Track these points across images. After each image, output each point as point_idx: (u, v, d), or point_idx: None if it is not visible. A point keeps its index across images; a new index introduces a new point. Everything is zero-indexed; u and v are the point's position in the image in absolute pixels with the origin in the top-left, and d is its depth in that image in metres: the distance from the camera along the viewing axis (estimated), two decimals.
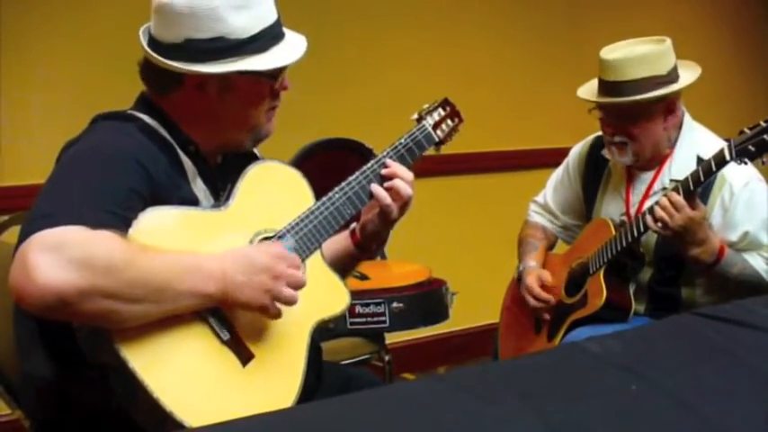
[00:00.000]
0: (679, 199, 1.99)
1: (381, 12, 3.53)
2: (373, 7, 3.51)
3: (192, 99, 1.50)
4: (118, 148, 1.42)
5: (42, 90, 2.85)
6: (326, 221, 1.56)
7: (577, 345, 1.46)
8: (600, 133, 2.42)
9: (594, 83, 2.27)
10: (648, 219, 2.05)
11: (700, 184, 1.99)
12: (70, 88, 2.85)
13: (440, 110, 1.81)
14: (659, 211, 2.01)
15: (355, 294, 2.54)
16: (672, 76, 2.17)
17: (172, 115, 1.52)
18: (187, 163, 1.52)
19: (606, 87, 2.18)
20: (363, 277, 2.67)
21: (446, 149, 3.71)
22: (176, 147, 1.51)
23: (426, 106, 1.81)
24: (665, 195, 2.02)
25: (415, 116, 1.78)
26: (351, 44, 3.45)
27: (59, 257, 1.20)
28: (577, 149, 2.49)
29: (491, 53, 3.85)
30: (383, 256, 3.04)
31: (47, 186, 1.36)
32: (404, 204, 1.65)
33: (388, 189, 1.63)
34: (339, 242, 1.73)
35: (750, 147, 1.91)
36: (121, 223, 1.31)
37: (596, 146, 2.42)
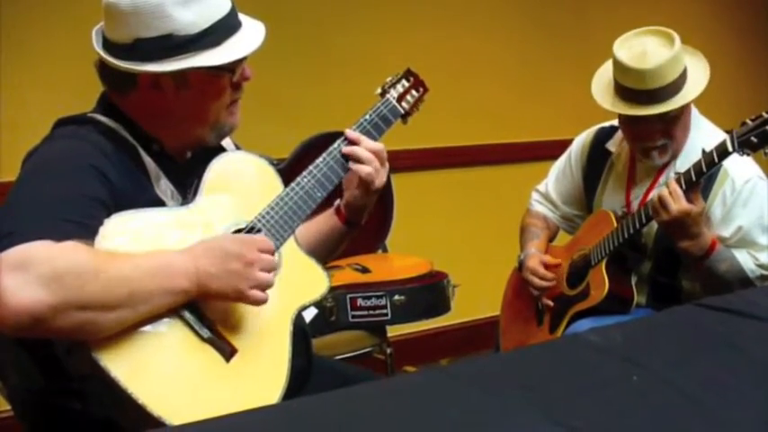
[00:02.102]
0: (677, 189, 1.98)
1: (383, 3, 3.52)
2: None
3: (149, 98, 1.48)
4: (75, 156, 1.39)
5: (42, 88, 2.84)
6: (297, 207, 1.55)
7: (579, 336, 1.46)
8: (605, 125, 2.42)
9: (606, 85, 2.21)
10: (650, 207, 2.05)
11: (702, 175, 1.98)
12: (69, 86, 2.83)
13: (403, 81, 1.80)
14: (657, 201, 2.02)
15: (357, 287, 2.56)
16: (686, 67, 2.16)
17: (132, 115, 1.50)
18: (150, 164, 1.49)
19: (646, 96, 2.09)
20: (365, 270, 2.67)
21: (448, 141, 3.70)
22: (138, 147, 1.48)
23: (389, 79, 1.79)
24: (666, 185, 2.02)
25: (379, 90, 1.76)
26: (351, 36, 3.44)
27: (27, 276, 1.19)
28: (581, 140, 2.49)
29: (494, 44, 3.84)
30: (384, 249, 3.04)
31: (8, 201, 1.33)
32: (378, 170, 1.64)
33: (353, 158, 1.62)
34: (325, 222, 1.72)
35: (752, 138, 1.91)
36: (85, 232, 1.29)
37: (600, 137, 2.42)
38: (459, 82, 3.68)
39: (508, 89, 3.89)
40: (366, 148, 1.64)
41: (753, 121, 1.92)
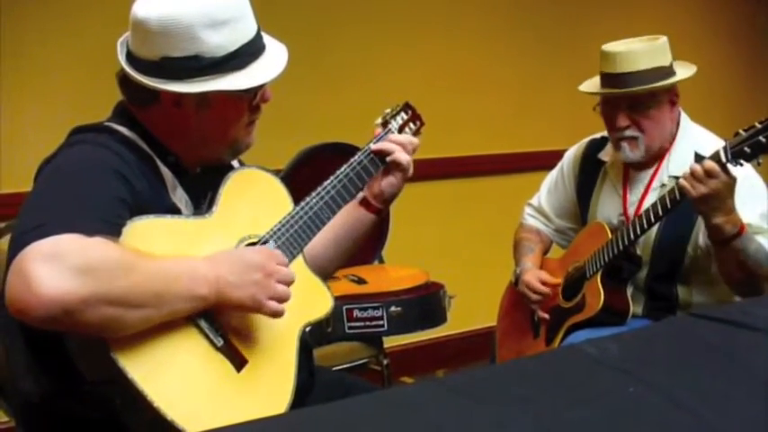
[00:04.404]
0: (714, 166, 1.92)
1: (379, 15, 3.54)
2: (371, 10, 3.51)
3: (170, 114, 1.49)
4: (98, 160, 1.41)
5: (40, 98, 2.85)
6: (307, 226, 1.58)
7: (575, 347, 1.46)
8: (596, 136, 2.43)
9: (595, 80, 2.27)
10: (683, 182, 1.97)
11: None
12: (68, 96, 2.85)
13: (402, 114, 1.83)
14: (693, 175, 1.94)
15: (353, 298, 2.56)
16: (672, 69, 2.21)
17: (150, 127, 1.51)
18: (167, 173, 1.51)
19: (614, 79, 2.17)
20: (361, 281, 2.67)
21: (443, 152, 3.70)
22: (155, 157, 1.50)
23: (389, 111, 1.82)
24: (699, 163, 1.95)
25: (380, 121, 1.79)
26: (348, 48, 3.46)
27: (59, 266, 1.18)
28: (572, 152, 2.50)
29: (487, 56, 3.86)
30: (381, 260, 3.04)
31: (31, 201, 1.34)
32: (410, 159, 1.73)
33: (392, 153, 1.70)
34: (350, 214, 1.74)
35: (746, 148, 1.91)
36: (113, 231, 1.30)
37: (591, 149, 2.43)
38: (456, 93, 3.70)
39: (503, 100, 3.90)
40: (400, 143, 1.72)
41: (746, 131, 1.93)
